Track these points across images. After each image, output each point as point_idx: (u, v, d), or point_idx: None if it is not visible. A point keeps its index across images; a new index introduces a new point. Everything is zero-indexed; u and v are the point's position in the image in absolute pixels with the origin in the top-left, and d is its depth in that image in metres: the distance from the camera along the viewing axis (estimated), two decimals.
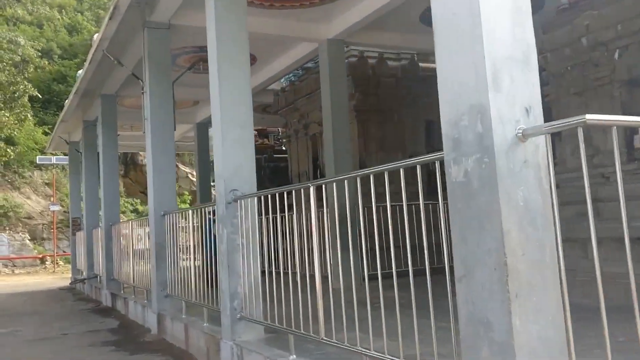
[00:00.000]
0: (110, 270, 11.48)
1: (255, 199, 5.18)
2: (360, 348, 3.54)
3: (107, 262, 11.50)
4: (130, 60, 8.96)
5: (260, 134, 16.25)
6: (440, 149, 2.71)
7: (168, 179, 7.93)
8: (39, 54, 26.48)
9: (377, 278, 3.45)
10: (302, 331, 4.24)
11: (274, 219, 5.37)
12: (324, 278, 4.69)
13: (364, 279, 3.71)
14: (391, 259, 3.53)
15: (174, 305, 7.66)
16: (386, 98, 10.81)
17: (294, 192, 4.87)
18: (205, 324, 6.19)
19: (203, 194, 15.34)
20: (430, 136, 11.15)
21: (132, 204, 30.41)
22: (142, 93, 8.06)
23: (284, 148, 17.04)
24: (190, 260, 7.07)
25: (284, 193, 4.76)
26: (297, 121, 12.35)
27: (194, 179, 31.90)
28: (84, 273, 15.27)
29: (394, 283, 3.36)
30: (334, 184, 4.06)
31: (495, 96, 2.46)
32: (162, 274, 7.68)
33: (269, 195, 5.01)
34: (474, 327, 2.54)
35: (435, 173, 3.03)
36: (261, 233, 5.40)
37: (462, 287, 2.60)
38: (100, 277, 13.18)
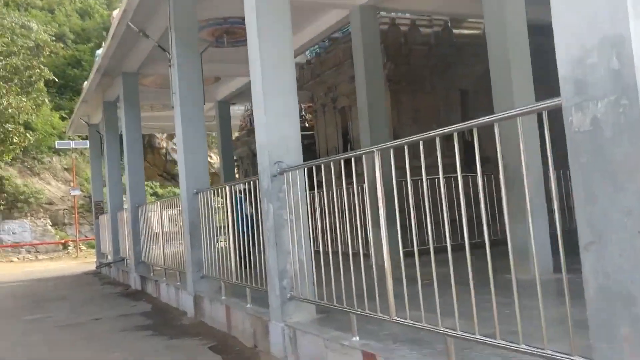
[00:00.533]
0: (138, 253, 11.21)
1: (305, 170, 4.81)
2: (443, 329, 3.16)
3: (135, 245, 11.22)
4: (155, 32, 8.56)
5: None
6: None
7: (199, 155, 7.57)
8: (53, 38, 26.18)
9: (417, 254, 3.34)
10: (367, 311, 3.88)
11: (328, 193, 5.01)
12: (364, 256, 4.39)
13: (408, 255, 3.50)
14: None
15: (211, 286, 7.35)
16: (418, 67, 10.34)
17: (322, 166, 4.55)
18: (248, 305, 5.86)
19: (227, 174, 14.99)
20: (466, 106, 10.68)
21: (151, 187, 30.20)
22: (169, 65, 7.68)
23: (307, 125, 16.65)
24: (228, 240, 6.73)
25: (330, 164, 4.39)
26: (324, 95, 11.92)
27: (212, 161, 31.69)
28: (109, 257, 15.07)
29: (467, 256, 3.05)
30: (391, 150, 3.64)
31: (637, 24, 2.04)
32: (197, 254, 7.36)
33: (322, 166, 4.65)
34: (608, 302, 2.16)
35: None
36: (312, 209, 5.04)
37: (590, 256, 2.21)
38: (127, 260, 12.96)
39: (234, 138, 16.74)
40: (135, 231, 11.19)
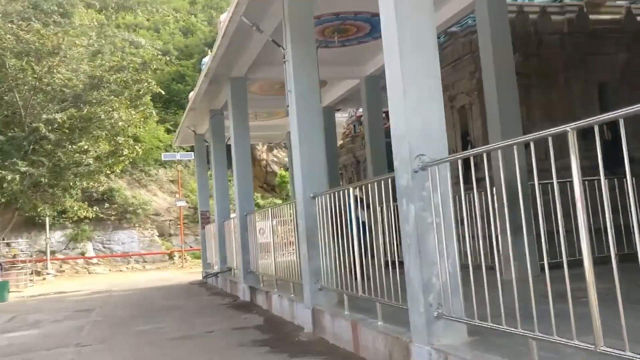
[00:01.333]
0: (246, 263, 10.82)
1: (455, 165, 4.05)
2: None
3: (244, 254, 10.84)
4: (267, 28, 8.12)
5: (387, 115, 15.13)
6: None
7: (317, 156, 6.98)
8: (160, 53, 26.99)
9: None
10: (555, 336, 3.05)
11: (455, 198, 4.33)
12: (489, 269, 3.84)
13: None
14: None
15: (330, 299, 6.72)
16: (550, 58, 9.30)
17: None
18: (379, 323, 5.15)
19: (332, 182, 14.39)
20: (605, 101, 9.49)
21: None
22: (284, 62, 7.16)
23: None
24: (349, 249, 6.08)
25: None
26: None
27: None
28: (216, 267, 14.91)
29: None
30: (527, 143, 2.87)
31: None
32: (315, 263, 6.75)
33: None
34: None
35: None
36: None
37: None
38: (234, 270, 12.66)
39: (340, 146, 16.19)
40: (244, 240, 10.82)
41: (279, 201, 28.95)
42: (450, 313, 4.06)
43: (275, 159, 35.10)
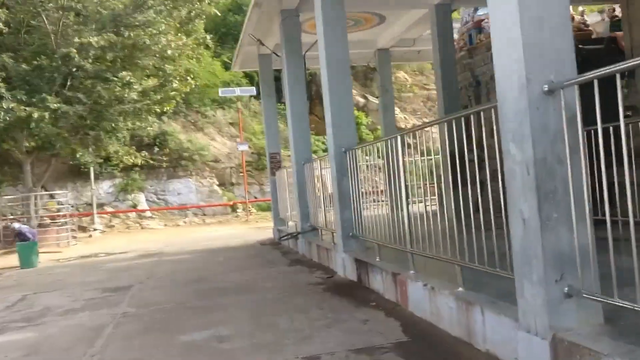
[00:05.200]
0: (347, 222, 7.23)
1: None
2: None
3: (342, 210, 7.25)
4: None
5: None
6: None
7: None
8: None
9: None
10: None
11: None
12: None
13: None
14: None
15: (590, 317, 3.05)
16: None
17: None
18: None
19: (451, 106, 10.48)
20: None
21: (323, 143, 26.75)
22: None
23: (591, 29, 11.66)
24: None
25: None
26: None
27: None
28: (290, 223, 11.48)
29: None
30: None
31: None
32: (557, 239, 3.03)
33: None
34: None
35: None
36: None
37: None
38: (322, 230, 9.17)
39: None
40: (343, 188, 7.20)
41: None
42: None
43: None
